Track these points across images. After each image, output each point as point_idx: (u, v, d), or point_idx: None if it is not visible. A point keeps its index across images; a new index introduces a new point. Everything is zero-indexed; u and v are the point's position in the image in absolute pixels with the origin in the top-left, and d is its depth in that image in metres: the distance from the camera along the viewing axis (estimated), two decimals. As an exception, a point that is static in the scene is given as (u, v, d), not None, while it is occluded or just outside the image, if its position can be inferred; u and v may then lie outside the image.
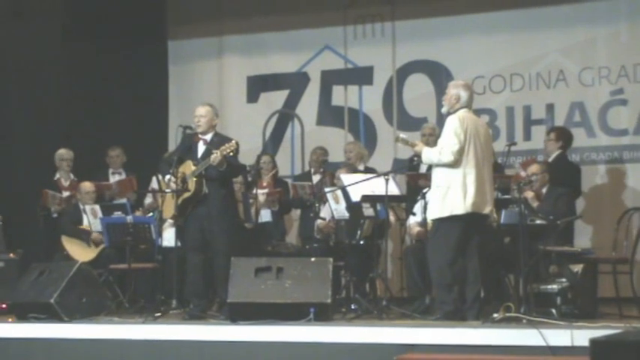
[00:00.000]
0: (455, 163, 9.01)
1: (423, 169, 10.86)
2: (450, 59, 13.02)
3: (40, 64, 13.11)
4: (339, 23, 13.57)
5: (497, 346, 7.95)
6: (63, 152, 12.34)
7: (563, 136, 11.31)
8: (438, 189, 9.11)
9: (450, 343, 8.10)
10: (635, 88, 12.22)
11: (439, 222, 9.13)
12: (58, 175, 12.34)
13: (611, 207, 11.78)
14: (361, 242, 10.63)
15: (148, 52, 14.13)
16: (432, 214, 9.21)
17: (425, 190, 10.02)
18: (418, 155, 9.54)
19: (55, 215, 11.98)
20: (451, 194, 9.00)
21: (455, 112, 9.21)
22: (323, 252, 10.51)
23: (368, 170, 11.38)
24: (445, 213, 9.03)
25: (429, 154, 9.25)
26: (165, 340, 8.95)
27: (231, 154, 9.76)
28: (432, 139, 10.71)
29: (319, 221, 11.24)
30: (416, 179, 10.95)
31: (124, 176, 12.48)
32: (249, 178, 11.58)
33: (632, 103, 12.26)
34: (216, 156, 9.65)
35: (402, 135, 10.04)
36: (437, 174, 9.17)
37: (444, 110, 9.40)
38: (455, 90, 9.31)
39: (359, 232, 10.67)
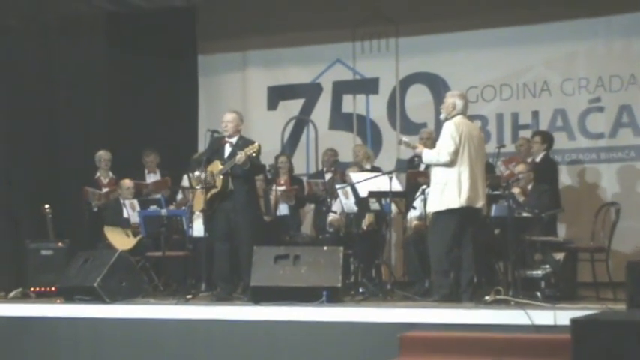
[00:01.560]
0: (451, 163, 9.03)
1: (422, 168, 10.85)
2: (447, 71, 12.99)
3: (86, 76, 13.12)
4: (348, 40, 13.55)
5: (489, 324, 7.96)
6: (102, 153, 12.30)
7: (547, 139, 11.31)
8: (436, 186, 9.13)
9: (446, 322, 8.12)
10: (611, 97, 12.19)
11: (437, 215, 9.14)
12: (98, 174, 12.30)
13: (589, 202, 11.75)
14: (364, 229, 10.65)
15: (180, 65, 14.13)
16: (431, 208, 9.23)
17: (424, 187, 10.02)
18: (419, 156, 9.56)
19: (95, 209, 11.96)
20: (448, 190, 9.01)
21: (451, 118, 9.22)
22: (334, 241, 10.51)
23: (374, 169, 11.36)
24: (443, 207, 9.04)
25: (428, 155, 9.27)
26: (195, 320, 8.98)
27: (254, 154, 9.78)
28: (429, 143, 10.68)
29: (331, 216, 11.24)
30: (416, 177, 10.94)
31: (158, 176, 12.47)
32: (269, 177, 11.58)
33: (608, 110, 12.23)
34: (240, 156, 9.67)
35: (405, 138, 10.07)
36: (435, 172, 9.19)
37: (442, 117, 9.41)
38: (452, 99, 9.33)
39: (363, 222, 10.70)
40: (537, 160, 11.04)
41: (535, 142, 11.26)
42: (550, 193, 10.32)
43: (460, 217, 9.05)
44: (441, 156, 9.07)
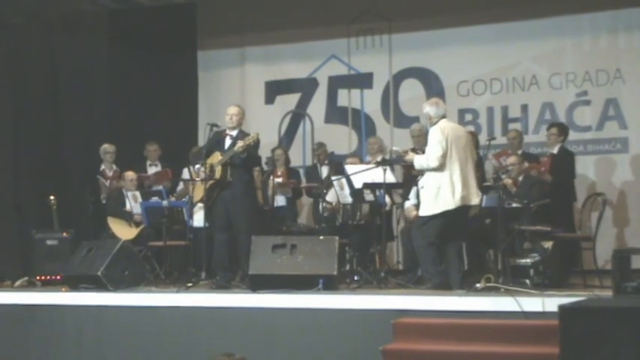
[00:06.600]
0: (441, 167, 9.03)
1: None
2: (439, 66, 12.99)
3: (88, 71, 13.10)
4: (343, 36, 13.53)
5: (479, 311, 7.98)
6: (107, 146, 12.28)
7: (564, 131, 11.22)
8: (430, 189, 9.08)
9: (438, 309, 8.13)
10: (597, 91, 12.19)
11: (432, 216, 9.10)
12: (102, 167, 12.27)
13: (577, 192, 11.74)
14: (362, 222, 10.64)
15: (180, 61, 14.10)
16: (426, 211, 9.14)
17: (418, 178, 10.01)
18: (410, 163, 9.55)
19: (104, 201, 11.94)
20: (442, 193, 8.99)
21: (435, 124, 9.23)
22: (330, 231, 10.46)
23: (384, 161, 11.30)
24: (438, 210, 9.01)
25: (419, 161, 9.28)
26: (195, 307, 8.99)
27: (252, 144, 9.81)
28: (421, 139, 10.69)
29: (326, 204, 11.24)
30: (410, 169, 10.94)
31: (159, 167, 12.44)
32: (265, 168, 11.57)
33: (595, 103, 12.23)
34: (240, 144, 9.71)
35: (395, 148, 10.11)
36: (428, 177, 9.17)
37: (427, 125, 9.45)
38: (426, 109, 9.39)
39: (358, 214, 10.68)
40: (554, 151, 10.96)
41: (552, 133, 11.11)
42: (540, 185, 10.30)
43: (455, 213, 9.04)
44: (430, 161, 9.06)
